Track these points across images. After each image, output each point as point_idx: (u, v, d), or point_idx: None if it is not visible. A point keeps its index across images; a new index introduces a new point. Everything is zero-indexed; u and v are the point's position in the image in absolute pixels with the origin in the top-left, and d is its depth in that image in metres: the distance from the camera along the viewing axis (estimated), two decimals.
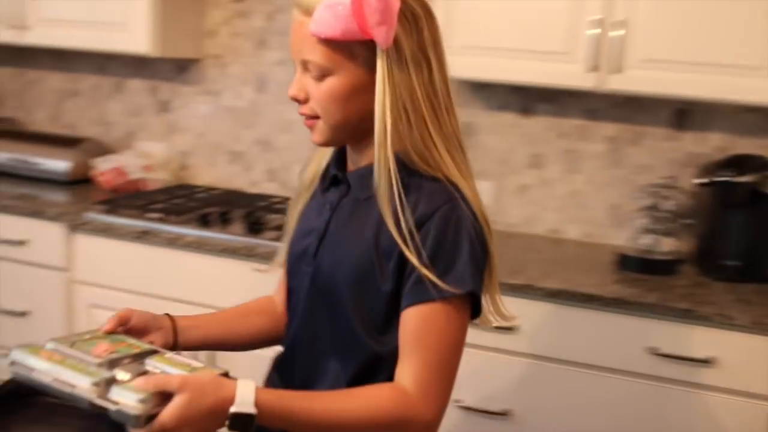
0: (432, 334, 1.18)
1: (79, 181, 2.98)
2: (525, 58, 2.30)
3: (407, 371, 1.18)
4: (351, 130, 1.24)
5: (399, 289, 1.21)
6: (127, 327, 1.27)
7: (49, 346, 1.16)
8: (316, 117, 1.24)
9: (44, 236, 2.62)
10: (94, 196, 2.79)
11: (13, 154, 3.03)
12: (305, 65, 1.21)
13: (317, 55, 1.18)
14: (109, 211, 2.56)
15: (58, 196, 2.85)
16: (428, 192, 1.21)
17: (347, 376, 1.26)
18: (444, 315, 1.18)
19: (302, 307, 1.32)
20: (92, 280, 2.56)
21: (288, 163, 2.94)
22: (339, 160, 1.33)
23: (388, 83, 1.17)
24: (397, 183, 1.18)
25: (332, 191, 1.33)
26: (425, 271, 1.17)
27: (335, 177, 1.33)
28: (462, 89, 2.66)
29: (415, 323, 1.19)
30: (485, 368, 2.16)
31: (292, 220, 1.39)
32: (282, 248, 1.41)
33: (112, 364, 1.12)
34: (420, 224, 1.19)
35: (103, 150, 3.09)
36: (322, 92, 1.21)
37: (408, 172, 1.21)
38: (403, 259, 1.19)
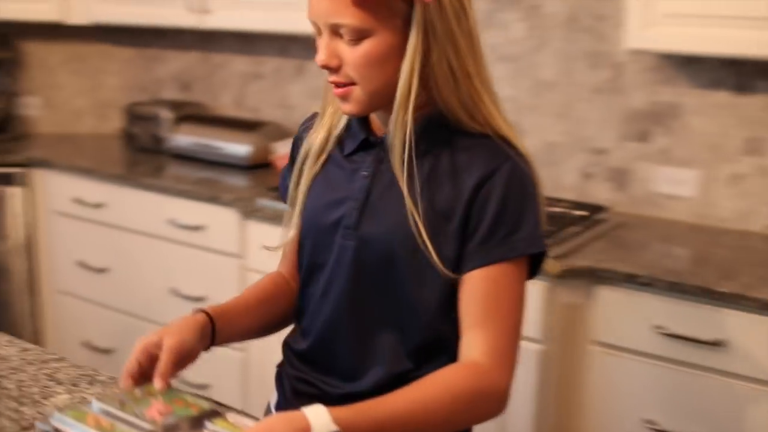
0: (502, 299, 1.12)
1: (260, 166, 2.95)
2: (742, 26, 1.96)
3: (478, 341, 1.11)
4: (389, 94, 1.12)
5: (460, 252, 1.13)
6: (181, 358, 1.13)
7: (96, 407, 1.04)
8: (351, 84, 1.13)
9: (220, 222, 2.59)
10: (271, 181, 2.73)
11: (197, 138, 3.05)
12: (335, 29, 1.10)
13: (352, 17, 1.07)
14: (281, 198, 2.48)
15: (237, 181, 2.82)
16: (482, 151, 1.15)
17: (406, 355, 1.18)
18: (511, 277, 1.13)
19: (342, 284, 1.20)
20: (264, 268, 2.48)
21: None
22: (363, 122, 1.22)
23: (432, 38, 1.08)
24: (410, 148, 1.12)
25: (361, 156, 1.22)
26: (447, 237, 1.12)
27: (366, 140, 1.21)
28: (664, 64, 2.35)
29: (483, 287, 1.12)
30: (686, 388, 1.88)
31: (301, 191, 1.25)
32: (292, 222, 1.27)
33: (168, 430, 0.98)
34: (479, 185, 1.13)
35: (284, 134, 3.04)
36: (358, 56, 1.10)
37: (455, 130, 1.16)
38: (465, 219, 1.13)
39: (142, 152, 3.21)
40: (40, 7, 3.15)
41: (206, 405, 1.06)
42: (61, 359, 1.31)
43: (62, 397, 1.18)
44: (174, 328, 1.14)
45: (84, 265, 2.98)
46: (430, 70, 1.10)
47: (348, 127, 1.24)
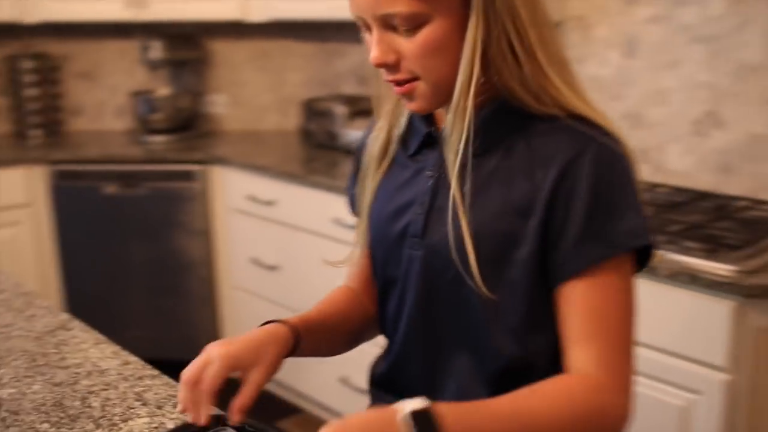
0: (609, 307, 0.97)
1: None
2: None
3: (588, 356, 0.96)
4: (455, 83, 0.98)
5: (543, 254, 0.98)
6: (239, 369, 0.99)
7: None
8: (413, 79, 0.99)
9: None
10: None
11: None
12: (386, 21, 0.96)
13: (405, 4, 0.94)
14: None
15: None
16: (560, 135, 0.99)
17: (484, 382, 1.04)
18: (617, 278, 0.97)
19: (412, 300, 1.07)
20: None
21: (662, 142, 2.44)
22: (426, 116, 1.08)
23: (490, 13, 0.94)
24: (467, 139, 0.98)
25: (425, 154, 1.08)
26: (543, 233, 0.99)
27: (430, 136, 1.07)
28: None
29: (585, 295, 0.96)
30: None
31: (366, 199, 1.13)
32: (359, 235, 1.16)
33: None
34: (561, 176, 0.97)
35: None
36: (418, 46, 0.97)
37: (524, 117, 1.01)
38: (547, 217, 0.97)
39: (318, 148, 3.17)
40: (222, 7, 3.19)
41: None
42: (156, 376, 1.23)
43: (141, 421, 1.09)
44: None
45: (257, 262, 2.98)
46: (489, 49, 0.96)
47: (410, 123, 1.10)
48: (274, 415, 2.87)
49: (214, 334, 3.19)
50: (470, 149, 0.98)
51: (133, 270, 3.19)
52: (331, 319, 1.16)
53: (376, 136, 1.13)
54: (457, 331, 1.05)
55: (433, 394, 1.06)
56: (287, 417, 2.89)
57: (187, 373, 0.97)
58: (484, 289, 0.98)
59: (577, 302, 0.97)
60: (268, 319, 1.08)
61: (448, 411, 0.87)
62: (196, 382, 0.96)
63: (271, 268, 2.93)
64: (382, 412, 0.87)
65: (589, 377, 0.95)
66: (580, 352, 0.96)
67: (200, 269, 3.16)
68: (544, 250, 0.98)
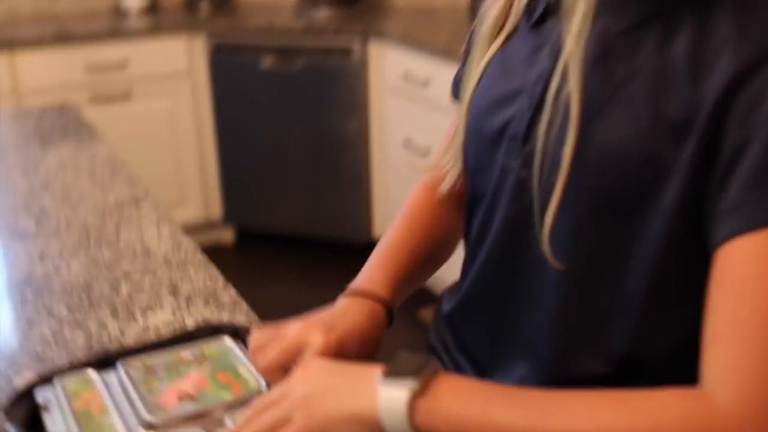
0: None
1: None
2: None
3: (726, 361, 0.62)
4: None
5: (696, 194, 0.65)
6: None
7: (110, 375, 0.81)
8: None
9: None
10: None
11: None
12: None
13: None
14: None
15: None
16: (751, 16, 0.64)
17: (561, 371, 0.75)
18: None
19: (497, 227, 0.78)
20: None
21: None
22: None
23: None
24: (595, 8, 0.67)
25: (551, 25, 0.76)
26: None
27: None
28: None
29: (756, 265, 0.61)
30: None
31: (471, 81, 0.83)
32: (457, 127, 0.85)
33: (169, 426, 0.72)
34: (738, 81, 0.63)
35: None
36: None
37: None
38: (709, 141, 0.64)
39: None
40: None
41: (254, 385, 0.78)
42: (202, 265, 1.11)
43: (161, 316, 0.98)
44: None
45: (410, 145, 2.82)
46: None
47: None
48: (414, 303, 2.76)
49: (364, 214, 3.10)
50: (599, 25, 0.68)
51: (289, 145, 3.13)
52: (419, 258, 0.92)
53: (492, 4, 0.85)
54: (542, 282, 0.75)
55: (491, 360, 0.82)
56: (427, 305, 2.77)
57: (258, 337, 0.77)
58: (547, 244, 0.70)
59: (736, 274, 0.63)
60: (356, 288, 0.85)
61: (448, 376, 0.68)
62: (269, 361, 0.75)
63: (425, 151, 2.76)
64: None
65: (705, 399, 0.62)
66: (719, 356, 0.63)
67: (355, 148, 3.04)
68: (699, 188, 0.66)
